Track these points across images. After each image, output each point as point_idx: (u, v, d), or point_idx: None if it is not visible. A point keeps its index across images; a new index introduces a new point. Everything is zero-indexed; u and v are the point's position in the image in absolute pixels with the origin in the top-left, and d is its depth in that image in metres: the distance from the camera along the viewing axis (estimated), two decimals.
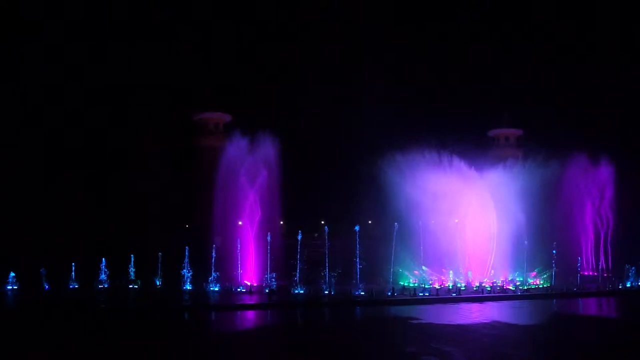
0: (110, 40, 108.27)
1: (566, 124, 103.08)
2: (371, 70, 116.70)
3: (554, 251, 75.07)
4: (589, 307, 67.45)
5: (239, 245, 73.78)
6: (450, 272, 75.50)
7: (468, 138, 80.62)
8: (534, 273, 76.83)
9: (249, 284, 72.39)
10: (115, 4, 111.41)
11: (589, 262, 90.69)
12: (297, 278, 68.94)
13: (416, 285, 72.77)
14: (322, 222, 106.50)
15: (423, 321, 54.11)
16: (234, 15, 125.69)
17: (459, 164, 78.99)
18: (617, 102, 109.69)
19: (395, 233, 72.38)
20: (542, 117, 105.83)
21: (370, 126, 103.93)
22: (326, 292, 66.93)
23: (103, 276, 70.28)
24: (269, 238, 71.66)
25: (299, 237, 70.21)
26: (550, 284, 74.89)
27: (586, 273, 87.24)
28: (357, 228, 69.54)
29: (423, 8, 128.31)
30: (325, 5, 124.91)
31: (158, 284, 71.14)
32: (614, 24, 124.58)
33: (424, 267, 75.47)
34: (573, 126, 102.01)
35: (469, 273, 77.02)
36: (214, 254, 72.25)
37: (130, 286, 70.65)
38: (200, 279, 71.24)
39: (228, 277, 72.64)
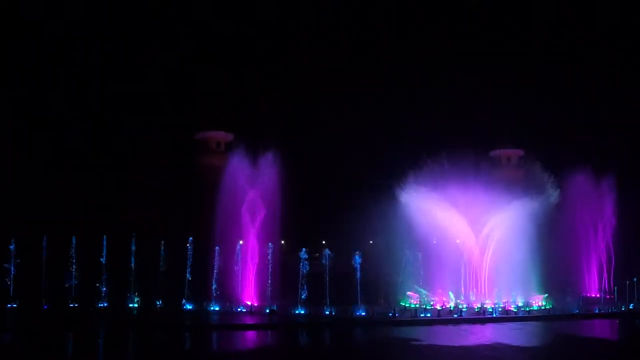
0: (112, 62, 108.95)
1: (568, 144, 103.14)
2: (371, 88, 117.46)
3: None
4: (592, 329, 67.00)
5: (239, 265, 73.45)
6: (450, 293, 74.99)
7: (470, 158, 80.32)
8: (540, 297, 76.28)
9: (249, 303, 72.01)
10: (115, 27, 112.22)
11: (592, 283, 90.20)
12: (298, 298, 68.53)
13: (417, 306, 72.32)
14: (324, 242, 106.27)
15: (424, 343, 53.77)
16: (236, 35, 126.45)
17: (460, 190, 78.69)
18: (618, 120, 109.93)
19: (396, 254, 72.16)
20: (544, 136, 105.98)
21: (372, 145, 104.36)
22: (327, 312, 66.50)
23: (102, 295, 69.90)
24: (269, 258, 71.32)
25: (300, 257, 69.78)
26: (552, 306, 74.42)
27: (589, 295, 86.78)
28: (357, 258, 69.63)
29: (421, 25, 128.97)
30: (323, 25, 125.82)
31: (158, 303, 70.66)
32: (614, 42, 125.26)
33: (422, 290, 74.91)
34: (574, 145, 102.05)
35: (471, 294, 76.55)
36: (214, 273, 71.93)
37: (130, 305, 70.17)
38: (200, 298, 70.89)
39: (228, 297, 72.25)
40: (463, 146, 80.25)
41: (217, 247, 73.29)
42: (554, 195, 79.83)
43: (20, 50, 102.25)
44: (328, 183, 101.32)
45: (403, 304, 73.65)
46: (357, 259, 69.69)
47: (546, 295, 75.59)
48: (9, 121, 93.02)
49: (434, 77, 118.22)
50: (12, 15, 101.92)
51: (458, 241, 79.35)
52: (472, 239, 78.98)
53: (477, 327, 63.11)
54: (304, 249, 69.62)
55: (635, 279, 78.58)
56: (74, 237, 71.76)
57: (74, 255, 71.14)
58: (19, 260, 68.96)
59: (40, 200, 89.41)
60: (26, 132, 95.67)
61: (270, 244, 71.39)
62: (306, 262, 68.85)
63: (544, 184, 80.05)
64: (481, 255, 78.90)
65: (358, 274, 69.54)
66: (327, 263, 69.50)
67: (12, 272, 68.35)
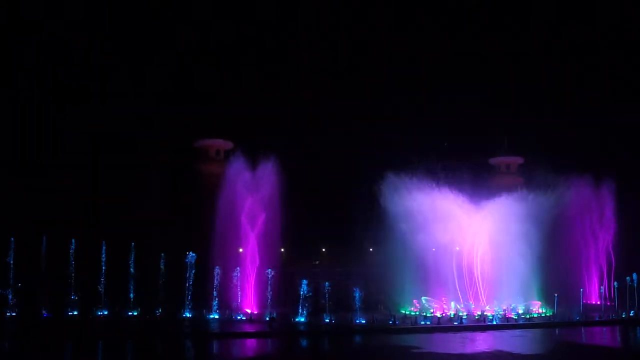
0: (111, 63, 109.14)
1: (566, 150, 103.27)
2: (370, 91, 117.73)
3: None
4: (592, 336, 66.83)
5: (239, 273, 73.26)
6: (452, 302, 74.95)
7: (469, 165, 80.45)
8: (538, 303, 76.27)
9: (249, 311, 71.82)
10: (115, 28, 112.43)
11: (593, 290, 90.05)
12: (297, 306, 68.35)
13: (417, 313, 72.21)
14: (324, 250, 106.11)
15: (424, 350, 53.62)
16: (235, 43, 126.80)
17: (458, 196, 78.84)
18: (618, 125, 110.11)
19: (396, 262, 72.07)
20: (543, 143, 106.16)
21: (371, 151, 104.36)
22: (327, 320, 66.31)
23: (102, 302, 69.70)
24: (269, 269, 71.15)
25: (300, 294, 69.38)
26: (553, 313, 74.28)
27: (589, 301, 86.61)
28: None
29: (421, 33, 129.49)
30: (324, 31, 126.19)
31: (158, 311, 70.43)
32: (613, 49, 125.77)
33: (424, 298, 74.94)
34: (574, 151, 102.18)
35: (471, 303, 76.41)
36: (214, 281, 71.75)
37: (130, 313, 69.95)
38: (200, 306, 70.74)
39: (228, 305, 72.07)
40: (463, 153, 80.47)
41: (217, 267, 72.81)
42: (554, 202, 79.94)
43: (20, 50, 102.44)
44: (328, 189, 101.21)
45: (403, 312, 73.52)
46: (357, 294, 69.25)
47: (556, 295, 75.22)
48: (9, 121, 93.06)
49: (433, 81, 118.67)
50: (12, 15, 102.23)
51: (457, 248, 79.31)
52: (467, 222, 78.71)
53: (478, 335, 62.95)
54: (304, 280, 68.96)
55: (635, 275, 78.73)
56: (73, 240, 71.51)
57: (72, 261, 70.91)
58: (19, 285, 68.70)
59: (39, 202, 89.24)
60: (26, 132, 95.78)
61: (269, 270, 70.78)
62: (307, 299, 68.47)
63: (544, 192, 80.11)
64: (471, 249, 78.80)
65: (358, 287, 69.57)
66: (328, 302, 69.14)
67: (10, 294, 68.11)
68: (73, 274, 70.85)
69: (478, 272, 78.89)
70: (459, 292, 76.98)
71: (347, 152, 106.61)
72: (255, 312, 72.22)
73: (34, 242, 71.92)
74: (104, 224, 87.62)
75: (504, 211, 77.88)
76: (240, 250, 77.22)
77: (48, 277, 70.77)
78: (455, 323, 67.80)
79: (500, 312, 72.35)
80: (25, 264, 70.66)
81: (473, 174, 79.71)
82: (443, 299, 75.39)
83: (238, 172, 79.06)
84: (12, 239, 70.21)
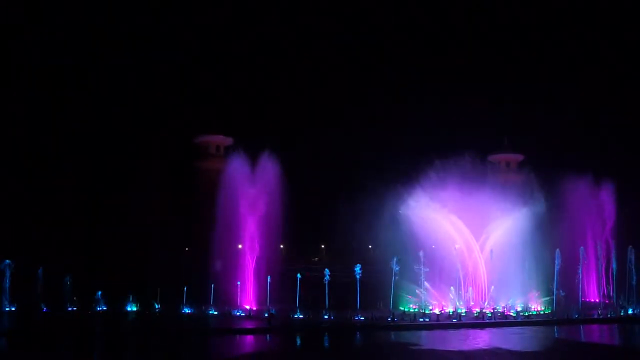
0: (111, 64, 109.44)
1: (567, 148, 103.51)
2: (371, 93, 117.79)
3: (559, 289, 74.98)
4: (591, 334, 66.83)
5: (238, 269, 73.33)
6: (451, 294, 75.11)
7: (468, 162, 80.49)
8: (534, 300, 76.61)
9: (248, 307, 71.90)
10: (115, 30, 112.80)
11: (591, 288, 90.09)
12: (296, 302, 68.40)
13: (416, 310, 72.26)
14: (323, 246, 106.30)
15: (423, 347, 53.67)
16: (236, 39, 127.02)
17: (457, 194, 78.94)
18: (618, 124, 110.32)
19: (395, 260, 72.10)
20: (543, 141, 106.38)
21: (371, 147, 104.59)
22: (326, 317, 66.34)
23: (101, 298, 69.84)
24: (268, 265, 71.24)
25: (299, 261, 69.74)
26: (552, 310, 74.33)
27: (588, 299, 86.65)
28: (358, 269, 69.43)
29: (424, 34, 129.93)
30: (325, 30, 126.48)
31: (156, 307, 70.55)
32: (614, 50, 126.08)
33: (425, 284, 75.07)
34: (574, 150, 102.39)
35: (470, 298, 76.52)
36: (213, 277, 71.82)
37: (129, 309, 70.07)
38: (199, 302, 70.78)
39: (227, 301, 72.13)
40: (463, 150, 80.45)
41: (215, 252, 72.93)
42: (553, 200, 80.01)
43: (20, 50, 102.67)
44: (327, 187, 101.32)
45: (402, 309, 73.52)
46: (358, 269, 69.28)
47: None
48: (9, 121, 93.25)
49: (434, 80, 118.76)
50: (12, 15, 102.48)
51: (457, 246, 79.29)
52: (471, 242, 78.80)
53: (477, 332, 62.91)
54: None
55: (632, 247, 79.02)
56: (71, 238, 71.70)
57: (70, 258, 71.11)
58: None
59: (39, 202, 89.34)
60: (26, 132, 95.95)
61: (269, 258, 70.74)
62: None
63: (543, 189, 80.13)
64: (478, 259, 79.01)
65: (358, 283, 69.50)
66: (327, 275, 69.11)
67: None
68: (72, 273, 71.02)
69: (484, 270, 78.96)
70: (461, 289, 76.99)
71: (348, 149, 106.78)
72: (255, 309, 72.27)
73: (35, 241, 72.09)
74: (104, 224, 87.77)
75: (502, 209, 77.89)
76: (240, 246, 77.23)
77: (47, 272, 70.91)
78: (454, 320, 67.80)
79: (499, 310, 72.40)
80: (26, 261, 70.81)
81: (472, 172, 79.68)
82: (452, 287, 75.49)
83: (238, 168, 79.05)
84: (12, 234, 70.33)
